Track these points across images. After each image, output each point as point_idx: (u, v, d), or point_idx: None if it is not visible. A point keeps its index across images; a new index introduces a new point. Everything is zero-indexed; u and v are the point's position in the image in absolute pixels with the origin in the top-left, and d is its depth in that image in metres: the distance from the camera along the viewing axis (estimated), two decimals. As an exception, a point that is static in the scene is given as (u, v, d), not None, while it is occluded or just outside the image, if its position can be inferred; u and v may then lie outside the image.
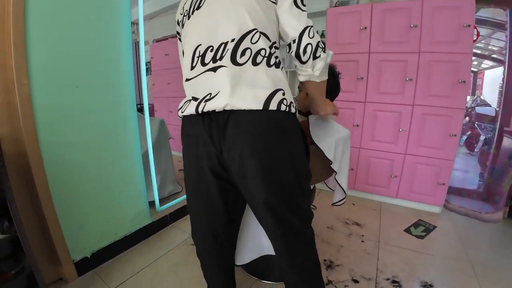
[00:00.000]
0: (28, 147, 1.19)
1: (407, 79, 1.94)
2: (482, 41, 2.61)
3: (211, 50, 0.74)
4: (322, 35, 2.67)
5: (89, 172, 1.43)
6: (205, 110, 0.73)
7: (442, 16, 1.74)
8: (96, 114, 1.43)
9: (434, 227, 1.95)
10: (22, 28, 1.12)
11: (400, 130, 2.03)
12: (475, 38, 1.66)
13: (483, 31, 2.28)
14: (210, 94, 0.73)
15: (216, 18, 0.75)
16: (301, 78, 0.85)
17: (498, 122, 2.19)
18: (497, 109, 2.26)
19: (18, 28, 1.11)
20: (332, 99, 1.24)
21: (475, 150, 2.80)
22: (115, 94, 1.52)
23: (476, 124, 2.76)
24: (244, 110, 0.70)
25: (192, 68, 0.78)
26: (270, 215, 0.77)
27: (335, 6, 2.36)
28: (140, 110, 1.83)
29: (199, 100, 0.75)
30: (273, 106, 0.71)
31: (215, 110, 0.72)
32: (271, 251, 1.17)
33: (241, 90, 0.71)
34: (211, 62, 0.74)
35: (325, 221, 2.03)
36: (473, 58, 2.88)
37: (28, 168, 1.21)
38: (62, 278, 1.39)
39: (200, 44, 0.77)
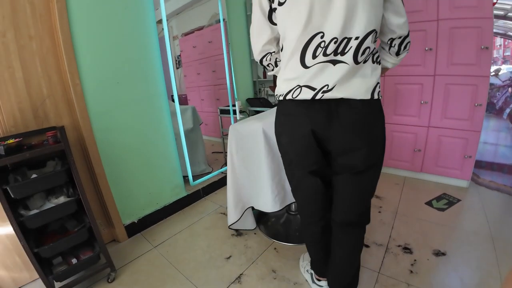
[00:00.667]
0: (84, 133, 1.50)
1: (426, 49, 1.86)
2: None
3: (335, 42, 0.77)
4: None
5: (133, 151, 1.73)
6: (322, 98, 0.81)
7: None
8: (136, 104, 1.71)
9: (458, 200, 1.89)
10: (69, 39, 1.40)
11: (422, 102, 1.97)
12: (495, 1, 1.52)
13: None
14: (328, 86, 0.79)
15: (343, 9, 0.73)
16: (390, 66, 0.96)
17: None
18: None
19: (66, 39, 1.38)
20: None
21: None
22: (150, 87, 1.78)
23: (518, 94, 2.48)
24: (355, 99, 0.80)
25: (315, 57, 0.79)
26: (357, 180, 0.92)
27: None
28: (174, 100, 2.09)
29: (316, 90, 0.81)
30: (375, 96, 0.82)
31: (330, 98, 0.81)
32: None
33: (354, 83, 0.80)
34: (332, 54, 0.78)
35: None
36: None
37: (86, 149, 1.53)
38: (115, 240, 1.74)
39: (323, 33, 0.77)
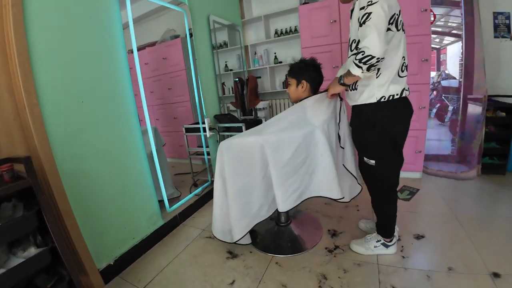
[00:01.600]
0: (44, 163, 1.23)
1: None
2: (442, 20, 2.90)
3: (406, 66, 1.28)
4: (296, 31, 2.86)
5: (104, 180, 1.50)
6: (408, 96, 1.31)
7: (402, 2, 1.96)
8: (103, 125, 1.50)
9: (417, 190, 2.20)
10: (26, 51, 1.16)
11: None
12: (432, 20, 1.91)
13: (441, 10, 2.57)
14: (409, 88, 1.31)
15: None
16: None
17: (462, 92, 2.48)
18: (460, 80, 2.57)
19: (22, 51, 1.15)
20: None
21: (446, 120, 3.13)
22: (118, 106, 1.59)
23: (443, 96, 3.09)
24: None
25: (402, 71, 1.25)
26: None
27: (304, 3, 2.55)
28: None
29: (409, 91, 1.30)
30: None
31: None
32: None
33: None
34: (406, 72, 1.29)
35: (321, 199, 2.21)
36: (435, 36, 3.20)
37: (47, 182, 1.25)
38: (90, 288, 1.45)
39: (405, 57, 1.25)
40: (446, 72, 3.32)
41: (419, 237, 1.63)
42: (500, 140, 2.36)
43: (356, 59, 1.12)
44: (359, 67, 1.13)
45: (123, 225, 1.61)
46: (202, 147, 2.62)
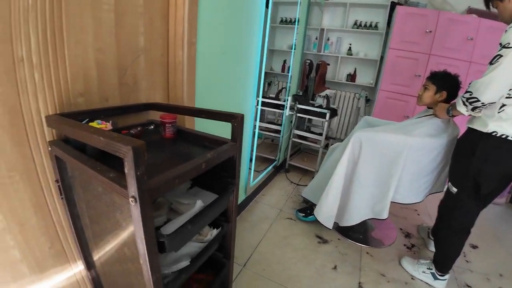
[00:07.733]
0: (187, 122, 0.99)
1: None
2: None
3: None
4: (376, 27, 2.67)
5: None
6: None
7: (491, 35, 1.98)
8: (235, 85, 1.30)
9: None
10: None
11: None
12: None
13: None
14: None
15: None
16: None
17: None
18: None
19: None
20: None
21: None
22: (246, 67, 1.38)
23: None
24: None
25: None
26: None
27: (397, 3, 2.36)
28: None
29: None
30: None
31: None
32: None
33: None
34: None
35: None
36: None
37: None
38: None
39: None
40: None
41: (474, 247, 1.68)
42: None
43: (463, 97, 1.07)
44: (464, 105, 1.07)
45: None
46: (274, 124, 2.33)
